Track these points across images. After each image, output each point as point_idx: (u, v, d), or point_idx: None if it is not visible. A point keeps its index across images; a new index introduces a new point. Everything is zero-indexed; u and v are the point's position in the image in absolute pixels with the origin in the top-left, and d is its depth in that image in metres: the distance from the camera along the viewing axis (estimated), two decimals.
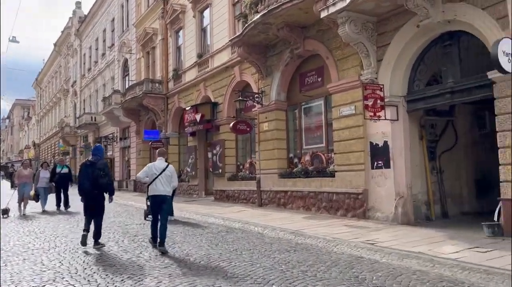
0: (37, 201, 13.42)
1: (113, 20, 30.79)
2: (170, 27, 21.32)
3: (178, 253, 6.79)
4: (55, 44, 48.48)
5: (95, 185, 7.30)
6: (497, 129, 7.44)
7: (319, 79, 12.12)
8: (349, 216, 10.32)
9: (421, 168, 9.88)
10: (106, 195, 7.57)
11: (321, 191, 11.25)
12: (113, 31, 30.76)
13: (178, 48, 21.17)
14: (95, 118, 33.21)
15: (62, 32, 45.53)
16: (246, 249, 7.04)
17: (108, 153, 31.46)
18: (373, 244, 7.01)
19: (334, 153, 10.99)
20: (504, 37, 6.82)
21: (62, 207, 14.14)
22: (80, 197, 7.55)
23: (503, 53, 6.66)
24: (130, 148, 26.74)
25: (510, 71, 6.74)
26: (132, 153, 26.35)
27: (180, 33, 20.71)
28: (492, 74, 7.42)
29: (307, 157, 12.43)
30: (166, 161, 7.62)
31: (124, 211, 13.88)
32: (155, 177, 7.07)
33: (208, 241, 7.84)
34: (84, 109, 37.33)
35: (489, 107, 10.77)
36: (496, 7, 7.41)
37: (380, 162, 9.74)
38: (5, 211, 12.18)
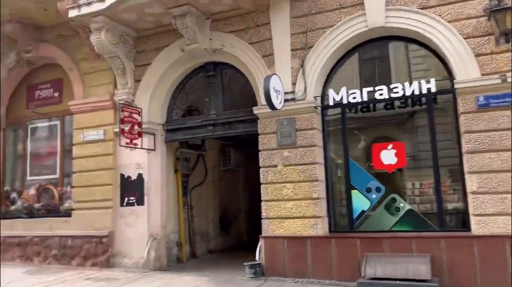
0: None
1: None
2: None
3: None
4: None
5: None
6: (260, 165, 7.35)
7: (56, 94, 9.78)
8: (89, 265, 8.32)
9: (174, 205, 9.00)
10: None
11: (52, 236, 8.78)
12: None
13: None
14: None
15: None
16: None
17: None
18: None
19: (73, 187, 8.85)
20: (273, 74, 6.86)
21: None
22: None
23: (273, 89, 6.64)
24: None
25: (279, 107, 6.78)
26: None
27: None
28: (257, 110, 7.39)
29: (32, 191, 9.66)
30: None
31: None
32: None
33: None
34: None
35: (234, 144, 11.26)
36: (263, 44, 7.51)
37: (132, 198, 8.33)
38: None
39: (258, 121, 7.42)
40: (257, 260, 7.12)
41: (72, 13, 7.81)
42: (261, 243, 7.22)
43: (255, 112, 7.41)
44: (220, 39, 7.85)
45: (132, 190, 8.33)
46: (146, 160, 8.32)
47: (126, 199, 8.35)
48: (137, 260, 8.04)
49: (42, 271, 8.07)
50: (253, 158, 7.52)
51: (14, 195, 9.92)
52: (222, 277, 7.09)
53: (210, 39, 7.89)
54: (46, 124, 9.92)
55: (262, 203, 7.27)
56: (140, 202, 8.24)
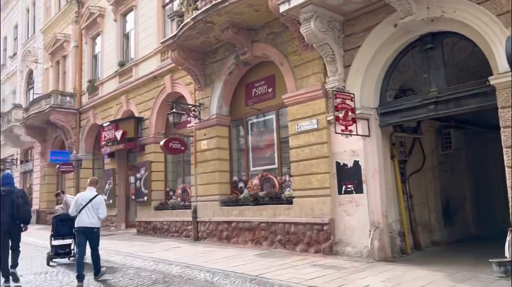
0: None
1: (16, 26, 26.85)
2: (85, 33, 18.50)
3: None
4: None
5: (14, 215, 6.92)
6: (503, 145, 6.19)
7: (270, 90, 10.42)
8: (312, 251, 8.53)
9: (393, 193, 8.47)
10: None
11: (275, 222, 9.37)
12: (15, 38, 26.79)
13: (94, 57, 18.40)
14: None
15: None
16: None
17: None
18: None
19: (291, 176, 9.23)
20: None
21: None
22: None
23: None
24: (33, 173, 22.79)
25: None
26: (35, 178, 22.42)
27: (98, 39, 18.03)
28: (495, 79, 6.24)
29: (256, 181, 10.53)
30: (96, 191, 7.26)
31: (22, 251, 10.72)
32: (82, 208, 6.87)
33: None
34: None
35: (452, 125, 10.00)
36: (497, 1, 6.30)
37: (349, 185, 8.16)
38: None
39: (496, 92, 6.26)
40: (507, 257, 6.01)
41: (283, 8, 8.07)
42: (510, 237, 6.07)
43: (492, 82, 6.28)
44: (439, 6, 6.94)
45: (349, 177, 8.17)
46: (361, 147, 8.03)
47: (344, 186, 8.23)
48: (360, 249, 7.83)
49: (271, 255, 8.64)
50: (477, 139, 6.43)
51: (241, 184, 11.00)
52: (460, 274, 6.24)
53: (428, 7, 7.05)
54: (263, 118, 10.67)
55: (510, 189, 6.09)
56: (358, 189, 8.01)
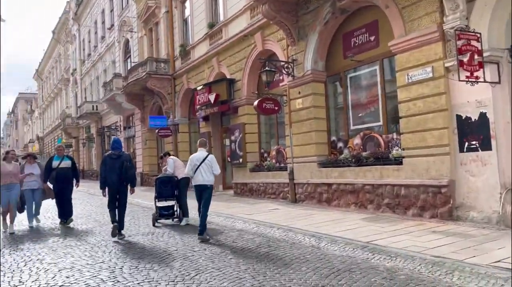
0: (21, 211, 9.12)
1: None
2: None
3: None
4: (53, 32, 45.90)
5: (122, 178, 7.49)
6: None
7: (372, 38, 9.34)
8: (427, 217, 7.64)
9: None
10: None
11: (382, 184, 8.56)
12: (112, 10, 28.05)
13: (185, 21, 18.43)
14: (96, 107, 30.67)
15: (60, 18, 42.84)
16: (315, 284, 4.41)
17: None
18: None
19: (401, 133, 8.27)
20: None
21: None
22: (102, 191, 7.72)
23: None
24: (135, 138, 24.19)
25: None
26: (137, 143, 23.80)
27: (187, 3, 17.94)
28: None
29: (357, 140, 9.73)
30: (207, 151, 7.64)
31: (129, 212, 11.24)
32: (197, 167, 7.23)
33: (250, 268, 5.17)
34: (85, 98, 34.79)
35: None
36: None
37: (474, 142, 7.02)
38: None
39: None
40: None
41: None
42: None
43: None
44: None
45: (473, 133, 7.02)
46: (489, 96, 6.80)
47: (467, 143, 7.12)
48: (489, 215, 6.78)
49: (378, 220, 7.92)
50: None
51: (340, 144, 10.27)
52: None
53: None
54: (364, 71, 9.68)
55: None
56: (485, 146, 6.86)
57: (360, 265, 5.05)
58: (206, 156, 7.33)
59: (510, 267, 4.45)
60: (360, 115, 9.81)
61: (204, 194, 7.23)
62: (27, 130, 78.09)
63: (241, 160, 13.73)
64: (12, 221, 8.47)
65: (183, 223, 8.74)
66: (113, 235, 7.29)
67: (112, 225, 7.44)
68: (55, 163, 9.27)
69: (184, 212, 8.94)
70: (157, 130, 18.68)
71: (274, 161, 12.74)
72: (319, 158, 10.36)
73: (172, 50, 18.85)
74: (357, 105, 9.87)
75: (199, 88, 15.33)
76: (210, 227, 8.12)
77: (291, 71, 10.93)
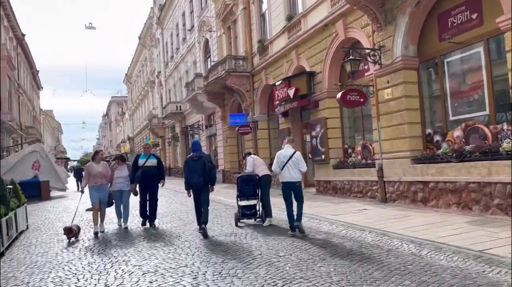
0: (109, 206, 9.00)
1: (191, 0, 28.76)
2: None
3: None
4: (139, 37, 48.56)
5: (204, 178, 7.78)
6: None
7: (474, 16, 8.19)
8: None
9: None
10: None
11: (491, 182, 7.44)
12: (192, 12, 28.77)
13: (262, 16, 18.14)
14: (180, 107, 31.74)
15: (145, 23, 45.19)
16: None
17: None
18: None
19: None
20: None
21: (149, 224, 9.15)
22: (187, 192, 8.10)
23: None
24: (217, 136, 24.54)
25: None
26: (218, 141, 24.12)
27: None
28: None
29: (458, 133, 8.63)
30: (293, 147, 7.71)
31: (212, 210, 11.20)
32: (284, 164, 7.29)
33: (343, 279, 4.60)
34: (169, 99, 36.26)
35: None
36: None
37: None
38: (71, 231, 7.64)
39: None
40: None
41: None
42: None
43: None
44: None
45: None
46: None
47: None
48: None
49: (488, 223, 6.87)
50: None
51: (437, 138, 9.22)
52: None
53: None
54: (465, 53, 8.54)
55: None
56: None
57: (476, 281, 4.24)
58: (293, 153, 7.39)
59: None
60: (460, 104, 8.69)
61: (295, 191, 7.33)
62: (119, 131, 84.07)
63: (323, 156, 13.08)
64: (102, 220, 8.67)
65: (266, 223, 8.38)
66: (205, 236, 7.37)
67: (199, 228, 7.74)
68: (141, 161, 9.14)
69: (267, 212, 8.58)
70: (237, 128, 18.66)
71: (359, 157, 11.93)
72: (413, 153, 9.40)
73: (250, 47, 18.67)
74: (457, 93, 8.75)
75: (277, 83, 14.93)
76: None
77: (378, 59, 10.07)
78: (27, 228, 9.75)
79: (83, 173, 9.36)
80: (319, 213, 9.28)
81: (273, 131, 18.25)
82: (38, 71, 52.36)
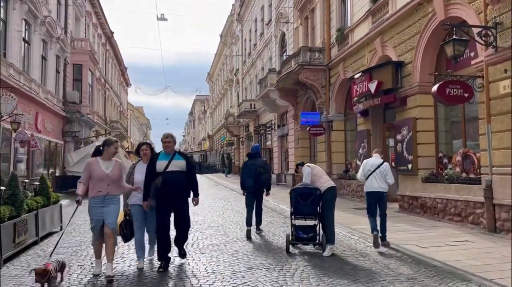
0: (126, 240, 5.88)
1: None
2: None
3: None
4: (221, 35, 48.36)
5: (257, 182, 8.17)
6: None
7: None
8: None
9: None
10: None
11: None
12: (270, 5, 27.20)
13: (343, 2, 15.90)
14: (254, 105, 30.39)
15: (226, 20, 44.75)
16: None
17: (267, 143, 28.31)
18: None
19: None
20: None
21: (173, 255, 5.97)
22: (243, 191, 8.53)
23: None
24: (288, 137, 22.68)
25: None
26: (290, 142, 22.24)
27: None
28: None
29: None
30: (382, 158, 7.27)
31: (266, 223, 9.41)
32: (370, 173, 6.99)
33: None
34: (245, 97, 35.16)
35: None
36: None
37: None
38: (44, 274, 4.43)
39: None
40: None
41: None
42: None
43: None
44: None
45: None
46: None
47: None
48: None
49: None
50: None
51: None
52: None
53: None
54: None
55: None
56: None
57: None
58: (382, 163, 7.06)
59: None
60: None
61: (381, 203, 6.98)
62: (201, 129, 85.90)
63: (410, 166, 10.59)
64: (109, 259, 5.12)
65: (326, 253, 6.32)
66: (248, 238, 7.66)
67: (246, 229, 7.94)
68: (160, 164, 5.62)
69: (329, 237, 6.50)
70: (308, 128, 16.61)
71: (458, 169, 9.31)
72: None
73: (328, 36, 16.52)
74: None
75: (356, 76, 12.65)
76: (360, 265, 5.55)
77: (492, 40, 7.49)
78: (61, 229, 8.71)
79: (82, 173, 5.51)
80: (402, 241, 7.00)
81: (350, 133, 15.93)
82: (126, 68, 54.74)
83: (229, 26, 43.72)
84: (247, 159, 8.73)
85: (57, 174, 19.40)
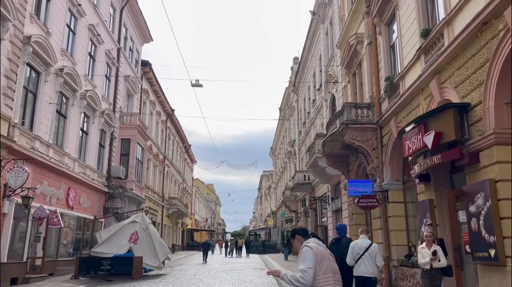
0: None
1: (320, 57, 25.56)
2: (378, 20, 13.86)
3: None
4: (280, 108, 47.38)
5: (341, 263, 6.78)
6: None
7: None
8: None
9: None
10: None
11: None
12: (321, 70, 25.41)
13: (391, 47, 13.40)
14: (308, 176, 27.54)
15: (284, 93, 43.84)
16: None
17: (323, 219, 24.87)
18: None
19: None
20: None
21: None
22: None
23: None
24: (342, 211, 19.29)
25: None
26: (344, 217, 18.80)
27: (394, 24, 13.02)
28: None
29: None
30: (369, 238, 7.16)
31: None
32: (359, 257, 6.86)
33: None
34: (301, 168, 32.50)
35: None
36: None
37: None
38: None
39: None
40: None
41: None
42: None
43: None
44: None
45: None
46: None
47: None
48: None
49: None
50: None
51: None
52: None
53: None
54: None
55: None
56: None
57: None
58: (370, 245, 6.88)
59: None
60: None
61: None
62: (267, 205, 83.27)
63: (492, 252, 7.08)
64: None
65: None
66: None
67: None
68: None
69: None
70: (356, 199, 13.41)
71: None
72: None
73: (377, 89, 13.84)
74: None
75: (408, 128, 9.67)
76: None
77: None
78: None
79: None
80: None
81: (411, 206, 12.46)
82: (190, 145, 55.26)
83: (287, 98, 42.62)
84: (333, 238, 8.26)
85: (83, 255, 17.62)
